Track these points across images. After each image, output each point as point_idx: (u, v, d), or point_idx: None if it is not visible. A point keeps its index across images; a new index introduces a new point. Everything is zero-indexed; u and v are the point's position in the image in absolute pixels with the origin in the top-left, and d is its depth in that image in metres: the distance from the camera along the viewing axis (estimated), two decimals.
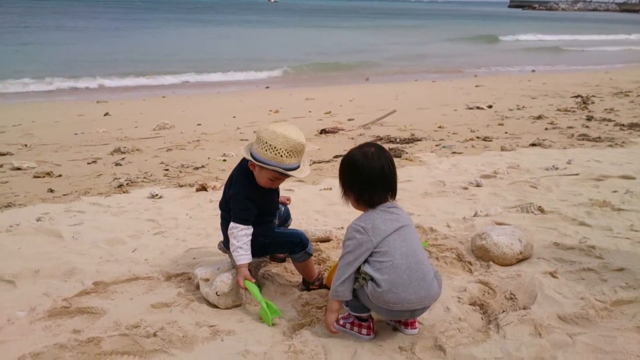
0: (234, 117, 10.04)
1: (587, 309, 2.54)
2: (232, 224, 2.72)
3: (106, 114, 10.46)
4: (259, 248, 2.83)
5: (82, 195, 5.04)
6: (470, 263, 3.24)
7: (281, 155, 2.58)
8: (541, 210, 4.13)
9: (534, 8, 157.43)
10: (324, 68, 20.77)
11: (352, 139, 7.76)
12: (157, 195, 4.94)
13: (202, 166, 6.22)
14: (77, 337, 2.44)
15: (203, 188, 5.13)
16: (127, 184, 5.41)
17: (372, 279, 2.25)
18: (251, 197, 2.72)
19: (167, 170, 6.08)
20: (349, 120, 9.33)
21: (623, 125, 8.29)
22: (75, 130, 8.70)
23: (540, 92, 13.01)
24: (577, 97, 11.76)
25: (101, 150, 7.17)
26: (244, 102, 12.91)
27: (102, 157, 6.71)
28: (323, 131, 8.14)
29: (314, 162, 6.29)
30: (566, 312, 2.53)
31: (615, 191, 4.65)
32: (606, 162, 5.88)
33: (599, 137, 7.38)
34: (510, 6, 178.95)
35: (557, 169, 5.57)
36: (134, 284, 3.05)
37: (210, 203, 4.68)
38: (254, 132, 2.79)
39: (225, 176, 5.73)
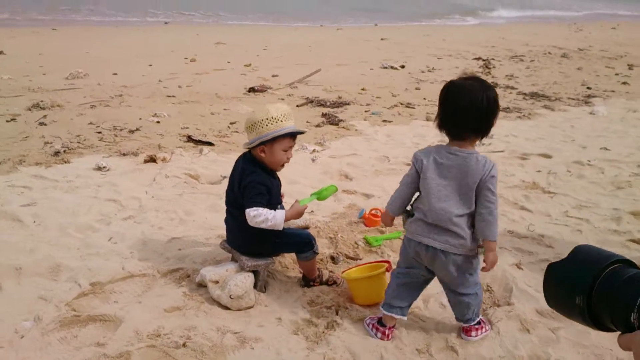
0: (151, 65, 9.51)
1: None
2: (249, 209, 2.72)
3: (1, 52, 9.40)
4: (269, 247, 2.92)
5: (18, 165, 4.67)
6: None
7: (282, 120, 2.75)
8: None
9: None
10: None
11: (282, 99, 7.77)
12: (104, 167, 4.71)
13: (137, 129, 5.94)
14: (103, 351, 2.40)
15: (152, 159, 4.96)
16: (64, 151, 5.07)
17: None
18: (264, 183, 2.80)
19: (100, 133, 5.74)
20: (273, 76, 9.25)
21: (525, 94, 9.03)
22: None
23: (444, 52, 13.65)
24: (478, 59, 12.52)
25: (15, 103, 6.54)
26: (148, 42, 12.19)
27: (21, 114, 6.15)
28: (251, 89, 8.04)
29: None
30: (542, 307, 2.92)
31: (539, 171, 5.21)
32: (521, 136, 6.49)
33: (508, 108, 7.97)
34: None
35: (483, 144, 6.05)
36: (131, 282, 3.00)
37: (167, 179, 4.57)
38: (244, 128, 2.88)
39: (165, 142, 5.58)
